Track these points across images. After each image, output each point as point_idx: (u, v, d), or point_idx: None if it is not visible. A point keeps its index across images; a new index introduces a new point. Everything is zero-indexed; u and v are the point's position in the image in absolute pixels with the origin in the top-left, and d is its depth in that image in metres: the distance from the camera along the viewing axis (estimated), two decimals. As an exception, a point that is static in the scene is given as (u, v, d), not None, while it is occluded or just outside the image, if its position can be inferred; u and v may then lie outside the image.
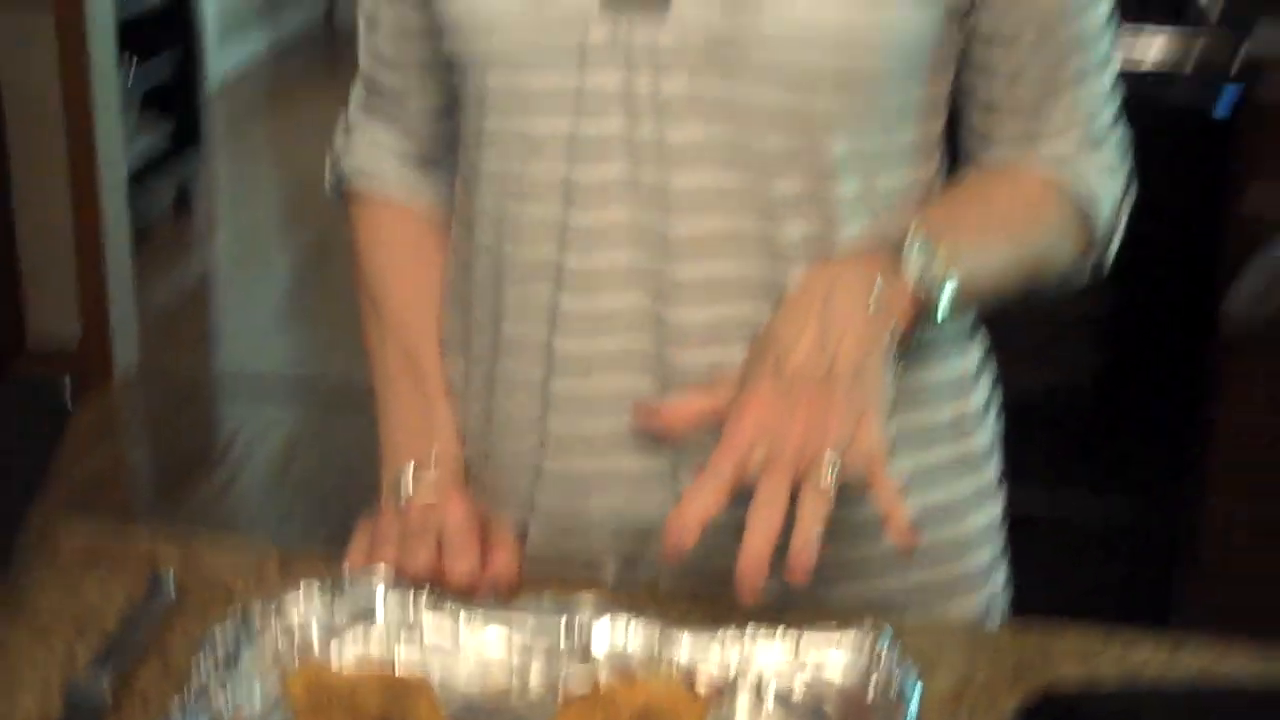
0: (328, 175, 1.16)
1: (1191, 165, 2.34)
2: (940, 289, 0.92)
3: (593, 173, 0.97)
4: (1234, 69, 2.33)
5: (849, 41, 0.93)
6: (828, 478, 0.83)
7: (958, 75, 1.03)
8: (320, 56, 6.20)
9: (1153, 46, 2.34)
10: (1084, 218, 1.03)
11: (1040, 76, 1.01)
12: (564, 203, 0.98)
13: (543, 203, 0.99)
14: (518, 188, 1.00)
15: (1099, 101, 1.04)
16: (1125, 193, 1.07)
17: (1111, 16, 1.03)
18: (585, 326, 0.99)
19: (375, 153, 1.14)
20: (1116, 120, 1.06)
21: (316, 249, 4.44)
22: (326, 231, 4.23)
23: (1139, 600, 2.35)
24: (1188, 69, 2.35)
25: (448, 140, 1.11)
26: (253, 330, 4.07)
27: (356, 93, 1.15)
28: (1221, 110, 2.30)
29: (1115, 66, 1.05)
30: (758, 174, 0.96)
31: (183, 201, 4.70)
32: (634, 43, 0.95)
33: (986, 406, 1.10)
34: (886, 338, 0.89)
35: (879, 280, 0.90)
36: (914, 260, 0.92)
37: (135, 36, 4.19)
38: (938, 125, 1.04)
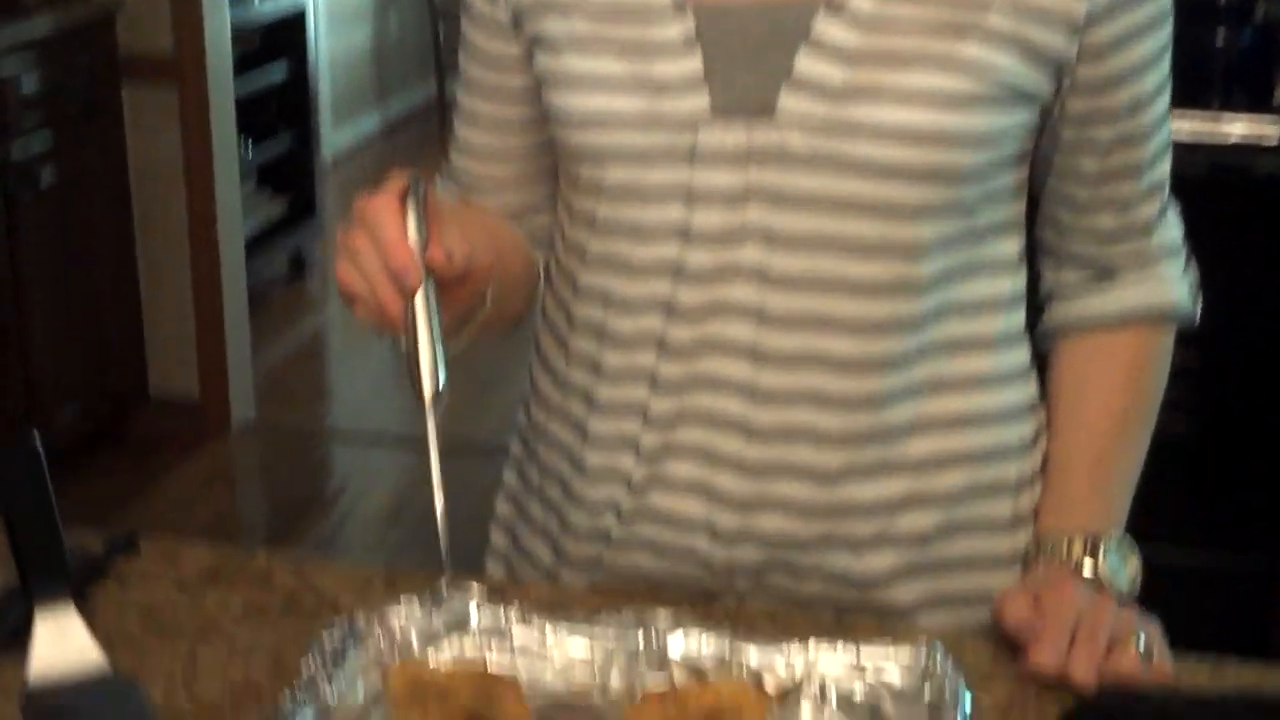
0: None
1: None
2: (1130, 582, 1.08)
3: (700, 257, 1.05)
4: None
5: (939, 141, 1.01)
6: (1136, 648, 0.98)
7: (1040, 174, 1.11)
8: (430, 133, 6.37)
9: (1239, 124, 2.39)
10: (1176, 324, 1.15)
11: (1121, 168, 1.09)
12: (672, 282, 1.06)
13: (650, 282, 1.07)
14: (626, 268, 1.08)
15: (1163, 182, 1.12)
16: (1190, 261, 1.15)
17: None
18: (680, 388, 1.07)
19: None
20: (1171, 196, 1.14)
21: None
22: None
23: (1235, 643, 2.35)
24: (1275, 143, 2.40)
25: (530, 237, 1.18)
26: (364, 389, 4.19)
27: (444, 185, 1.20)
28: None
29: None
30: (850, 257, 1.04)
31: (297, 267, 4.87)
32: (742, 143, 1.02)
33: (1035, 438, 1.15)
34: None
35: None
36: (1110, 575, 1.07)
37: (256, 114, 4.43)
38: (1019, 206, 1.11)
